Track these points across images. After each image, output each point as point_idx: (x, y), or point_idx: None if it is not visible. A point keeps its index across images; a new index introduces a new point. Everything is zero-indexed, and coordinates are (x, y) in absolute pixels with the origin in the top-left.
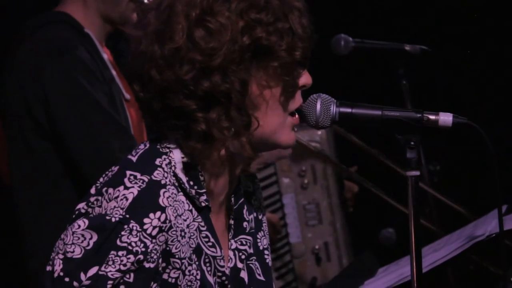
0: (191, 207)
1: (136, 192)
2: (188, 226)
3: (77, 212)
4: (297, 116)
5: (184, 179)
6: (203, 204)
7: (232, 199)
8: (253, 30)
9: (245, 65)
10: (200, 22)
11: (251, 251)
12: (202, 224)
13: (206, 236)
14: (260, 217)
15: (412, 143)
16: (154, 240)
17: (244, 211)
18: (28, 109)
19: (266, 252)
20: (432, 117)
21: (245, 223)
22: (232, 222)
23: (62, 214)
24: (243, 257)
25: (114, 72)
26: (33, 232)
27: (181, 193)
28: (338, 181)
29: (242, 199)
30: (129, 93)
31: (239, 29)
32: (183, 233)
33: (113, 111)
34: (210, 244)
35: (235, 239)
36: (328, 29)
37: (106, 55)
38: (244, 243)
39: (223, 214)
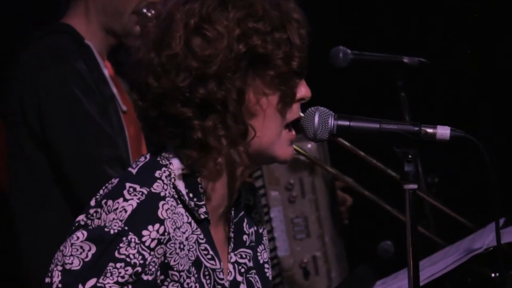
0: (190, 219)
1: (135, 204)
2: (187, 239)
3: (76, 224)
4: (293, 132)
5: (183, 191)
6: (202, 217)
7: (232, 212)
8: (249, 38)
9: (241, 73)
10: (198, 30)
11: (251, 264)
12: (201, 236)
13: (205, 249)
14: (260, 230)
15: (410, 156)
16: (152, 253)
17: (244, 224)
18: (24, 115)
19: (266, 266)
20: (430, 130)
21: (245, 236)
22: (232, 235)
23: (55, 221)
24: (242, 270)
25: (112, 85)
26: (27, 237)
27: (180, 205)
28: (331, 193)
29: (242, 212)
30: (127, 105)
31: (235, 37)
32: (182, 246)
33: (104, 121)
34: (209, 256)
35: (235, 252)
36: (326, 41)
37: (106, 69)
38: (244, 256)
39: (223, 227)
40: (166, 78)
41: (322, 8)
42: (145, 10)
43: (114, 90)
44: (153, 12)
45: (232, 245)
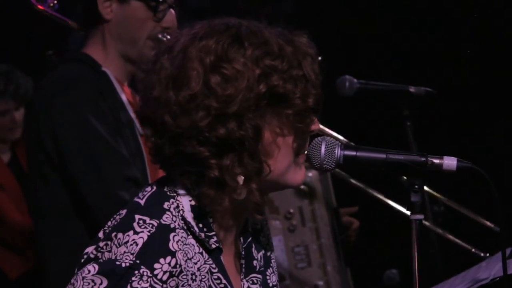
0: (201, 249)
1: (146, 237)
2: (199, 269)
3: (85, 256)
4: (301, 154)
5: (192, 222)
6: (213, 246)
7: (241, 238)
8: (269, 78)
9: (260, 112)
10: (216, 69)
11: None
12: (214, 266)
13: (218, 278)
14: (268, 253)
15: (416, 186)
16: (165, 285)
17: (253, 249)
18: (41, 140)
19: None
20: (436, 161)
21: (254, 262)
22: (243, 261)
23: (75, 244)
24: None
25: (131, 110)
26: (49, 260)
27: (190, 236)
28: (333, 221)
29: (250, 238)
30: None
31: (256, 77)
32: (193, 277)
33: (118, 144)
34: (222, 286)
35: (247, 279)
36: (333, 70)
37: (125, 94)
38: (255, 281)
39: (233, 255)
40: (184, 117)
41: (328, 36)
42: (160, 36)
43: (132, 115)
44: (168, 37)
45: (243, 271)
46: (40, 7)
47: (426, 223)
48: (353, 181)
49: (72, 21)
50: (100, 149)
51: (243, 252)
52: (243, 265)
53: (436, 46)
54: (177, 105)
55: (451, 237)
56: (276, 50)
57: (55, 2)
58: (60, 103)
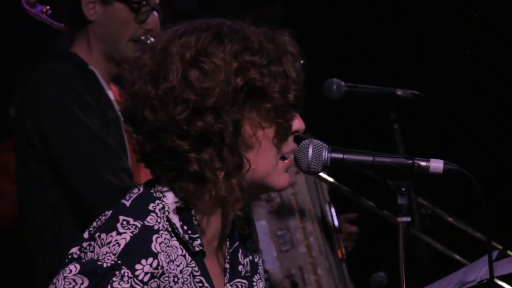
0: (184, 252)
1: (128, 238)
2: (181, 272)
3: (70, 256)
4: (288, 160)
5: (177, 224)
6: (197, 249)
7: (227, 243)
8: (246, 72)
9: (238, 106)
10: (194, 63)
11: None
12: (196, 269)
13: (200, 281)
14: (256, 260)
15: (403, 189)
16: (146, 287)
17: (239, 254)
18: (27, 136)
19: None
20: (423, 163)
21: (240, 267)
22: (227, 266)
23: (67, 238)
24: None
25: (117, 107)
26: (40, 255)
27: (174, 238)
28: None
29: (237, 243)
30: None
31: (233, 70)
32: (176, 279)
33: (106, 136)
34: None
35: (231, 283)
36: (320, 73)
37: (111, 91)
38: (240, 286)
39: (218, 259)
40: (163, 111)
41: (316, 40)
42: (143, 37)
43: (119, 113)
44: (151, 39)
45: (227, 276)
46: (31, 11)
47: (413, 230)
48: (343, 187)
49: (61, 24)
50: (87, 140)
51: (227, 257)
52: (227, 270)
53: (423, 49)
54: (156, 99)
55: (438, 245)
56: (256, 46)
57: (48, 8)
58: (46, 96)
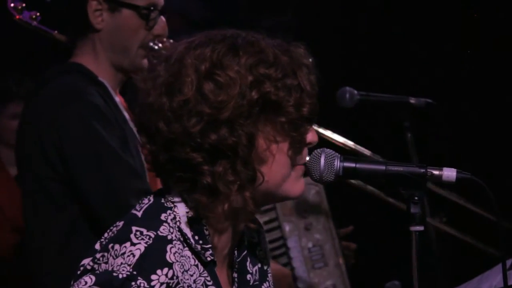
0: (196, 262)
1: (143, 249)
2: (195, 281)
3: (82, 268)
4: (301, 165)
5: (189, 234)
6: (208, 259)
7: (236, 252)
8: (261, 85)
9: (252, 119)
10: (209, 76)
11: None
12: (208, 278)
13: None
14: (265, 267)
15: (416, 198)
16: None
17: (248, 263)
18: (46, 157)
19: None
20: (436, 172)
21: (248, 276)
22: (235, 275)
23: (77, 254)
24: None
25: (128, 117)
26: (52, 275)
27: (186, 248)
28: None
29: (246, 251)
30: None
31: (248, 84)
32: None
33: (127, 155)
34: None
35: None
36: (333, 81)
37: (119, 98)
38: None
39: (227, 268)
40: (177, 123)
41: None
42: (151, 44)
43: (131, 123)
44: (159, 45)
45: (236, 285)
46: (18, 17)
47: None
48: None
49: (54, 31)
50: (110, 160)
51: (236, 266)
52: (236, 279)
53: (437, 58)
54: (170, 111)
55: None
56: (271, 59)
57: (38, 14)
58: (67, 115)
